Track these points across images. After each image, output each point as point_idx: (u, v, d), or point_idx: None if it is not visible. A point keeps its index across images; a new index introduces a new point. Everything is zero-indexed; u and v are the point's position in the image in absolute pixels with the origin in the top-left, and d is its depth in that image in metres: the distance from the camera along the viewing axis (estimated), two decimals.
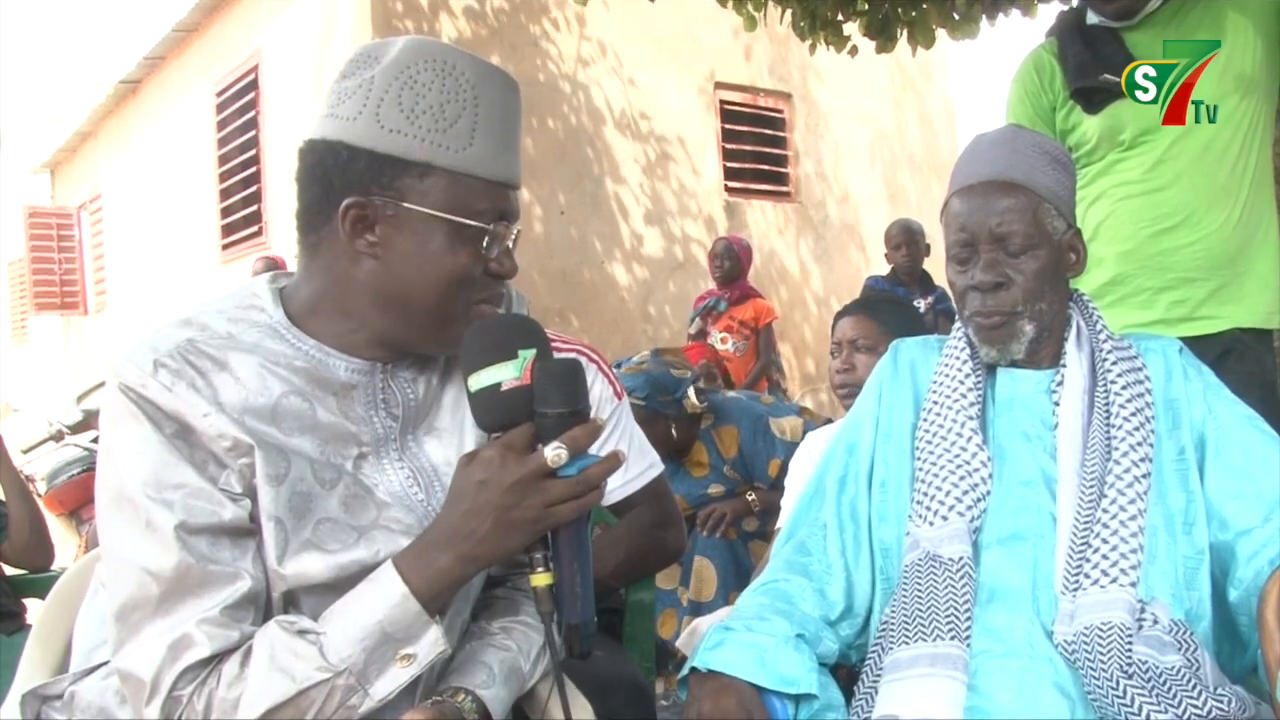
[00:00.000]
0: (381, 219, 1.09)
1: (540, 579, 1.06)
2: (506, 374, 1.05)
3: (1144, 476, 1.38)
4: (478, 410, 1.07)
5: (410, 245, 1.09)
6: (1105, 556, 1.33)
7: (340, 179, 1.09)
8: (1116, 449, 1.39)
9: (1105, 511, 1.36)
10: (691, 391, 3.35)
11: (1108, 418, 1.43)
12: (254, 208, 7.44)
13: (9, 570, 2.53)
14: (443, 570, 1.05)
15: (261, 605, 1.07)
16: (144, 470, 1.03)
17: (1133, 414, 1.41)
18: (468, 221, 1.09)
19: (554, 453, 1.02)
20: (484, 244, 1.11)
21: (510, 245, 1.15)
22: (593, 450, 1.07)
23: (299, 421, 1.09)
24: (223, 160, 7.96)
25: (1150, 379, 1.46)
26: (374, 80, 1.09)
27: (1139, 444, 1.39)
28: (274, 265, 5.61)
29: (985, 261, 1.46)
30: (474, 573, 1.09)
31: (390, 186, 1.08)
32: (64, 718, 1.16)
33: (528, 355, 1.05)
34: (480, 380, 1.05)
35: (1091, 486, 1.38)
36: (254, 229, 7.52)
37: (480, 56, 1.14)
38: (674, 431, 3.35)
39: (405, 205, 1.08)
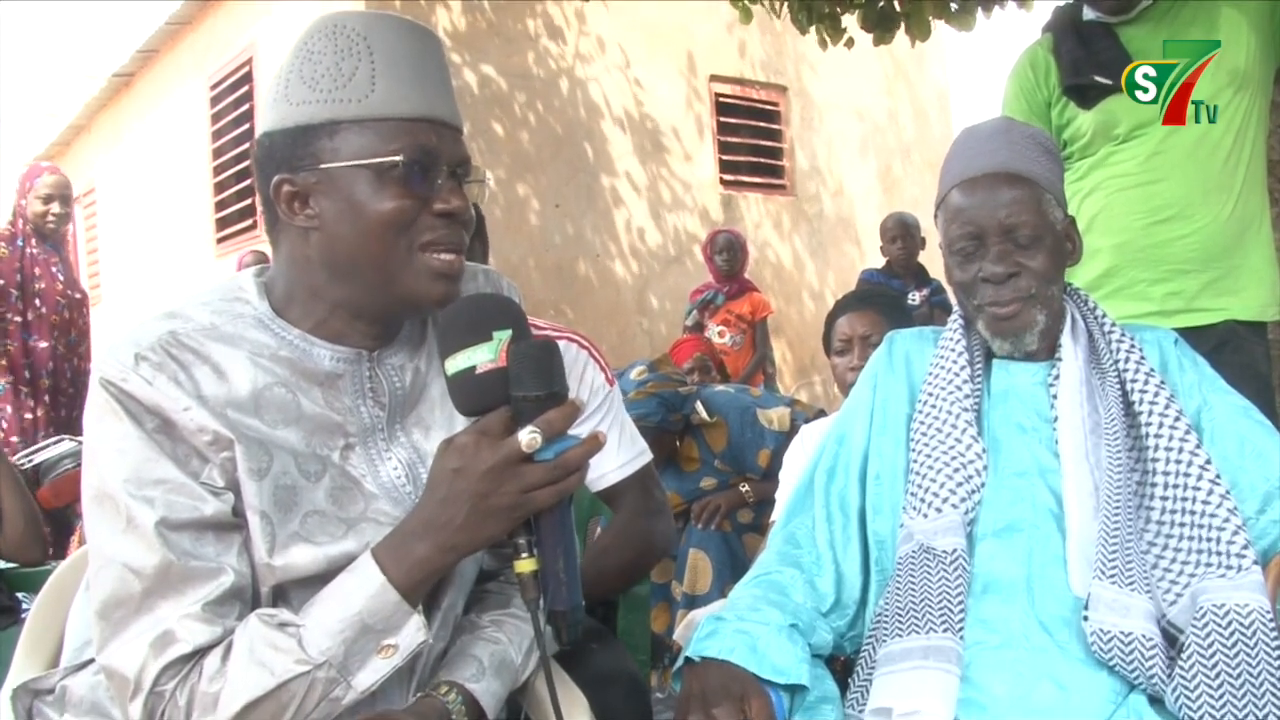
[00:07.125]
0: (310, 189, 1.09)
1: (524, 565, 1.04)
2: (481, 356, 1.03)
3: (1187, 435, 1.36)
4: (454, 394, 1.06)
5: (339, 204, 1.08)
6: (1190, 538, 1.31)
7: (270, 165, 1.10)
8: (1150, 425, 1.38)
9: (1153, 486, 1.35)
10: (699, 405, 3.40)
11: (1122, 390, 1.42)
12: (248, 201, 7.41)
13: (3, 564, 2.52)
14: (421, 559, 1.03)
15: (248, 600, 1.06)
16: (125, 467, 1.02)
17: (1146, 380, 1.41)
18: (380, 160, 1.07)
19: (528, 437, 1.00)
20: (406, 179, 1.08)
21: (454, 183, 1.12)
22: (577, 433, 1.05)
23: (283, 413, 1.09)
24: (217, 153, 7.94)
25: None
26: (283, 68, 1.11)
27: (1166, 409, 1.39)
28: (263, 259, 5.59)
29: (996, 253, 1.44)
30: (453, 561, 1.07)
31: (307, 155, 1.08)
32: (56, 713, 1.16)
33: (503, 337, 1.03)
34: (456, 363, 1.04)
35: (1118, 473, 1.36)
36: (248, 222, 7.51)
37: (380, 11, 1.13)
38: (678, 443, 3.45)
39: (322, 167, 1.08)
